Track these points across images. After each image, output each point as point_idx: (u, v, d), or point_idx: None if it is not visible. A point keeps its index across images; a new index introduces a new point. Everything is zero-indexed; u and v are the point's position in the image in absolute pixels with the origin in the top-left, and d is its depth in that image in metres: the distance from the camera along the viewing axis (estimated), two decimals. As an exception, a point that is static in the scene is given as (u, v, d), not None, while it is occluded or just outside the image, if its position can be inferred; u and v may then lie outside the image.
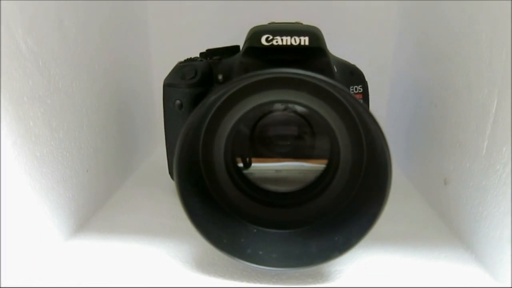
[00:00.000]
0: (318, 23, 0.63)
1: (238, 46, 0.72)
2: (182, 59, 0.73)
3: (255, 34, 0.59)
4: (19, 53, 0.51)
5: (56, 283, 0.52)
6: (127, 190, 0.80)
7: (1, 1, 0.48)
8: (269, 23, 0.65)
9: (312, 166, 0.63)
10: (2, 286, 0.45)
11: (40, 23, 0.55)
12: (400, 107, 0.90)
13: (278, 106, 0.63)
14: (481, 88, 0.57)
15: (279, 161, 0.65)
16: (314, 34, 0.58)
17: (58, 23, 0.59)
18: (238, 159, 0.61)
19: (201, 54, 0.74)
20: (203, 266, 0.55)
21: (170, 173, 0.74)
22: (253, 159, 0.64)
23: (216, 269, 0.54)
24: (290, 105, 0.61)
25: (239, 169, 0.60)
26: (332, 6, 0.93)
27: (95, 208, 0.70)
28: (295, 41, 0.57)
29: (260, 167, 0.64)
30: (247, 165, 0.63)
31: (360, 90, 0.67)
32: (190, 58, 0.73)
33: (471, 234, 0.59)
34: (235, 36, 0.72)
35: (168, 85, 0.69)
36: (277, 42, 0.57)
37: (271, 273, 0.53)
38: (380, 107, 0.89)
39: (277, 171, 0.64)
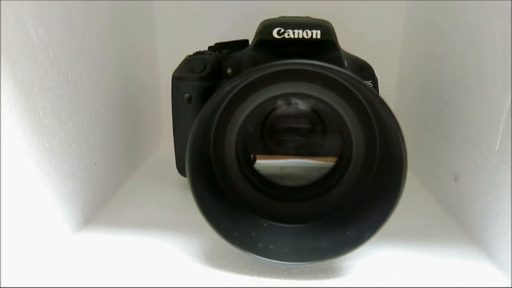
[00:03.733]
0: (326, 18, 0.63)
1: (247, 40, 0.71)
2: (191, 53, 0.73)
3: (266, 27, 0.58)
4: (30, 43, 0.51)
5: (64, 276, 0.51)
6: (135, 183, 0.79)
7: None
8: (279, 17, 0.64)
9: (320, 164, 0.62)
10: (2, 286, 0.45)
11: (50, 13, 0.54)
12: (409, 103, 0.90)
13: (288, 100, 0.62)
14: (495, 84, 0.56)
15: (287, 158, 0.65)
16: (326, 28, 0.57)
17: (67, 14, 0.59)
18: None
19: (209, 47, 0.74)
20: (213, 260, 0.55)
21: (178, 167, 0.73)
22: (258, 155, 0.63)
23: (226, 263, 0.54)
24: (294, 100, 0.61)
25: (250, 163, 0.60)
26: (341, 1, 0.93)
27: (102, 201, 0.70)
28: (307, 34, 0.57)
29: (266, 163, 0.63)
30: (252, 161, 0.62)
31: (370, 85, 0.67)
32: (199, 51, 0.72)
33: (482, 231, 0.58)
34: (243, 30, 0.71)
35: (177, 78, 0.68)
36: (288, 35, 0.57)
37: (282, 268, 0.53)
38: (388, 103, 0.88)
39: (282, 167, 0.63)
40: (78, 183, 0.61)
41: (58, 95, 0.56)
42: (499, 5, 0.56)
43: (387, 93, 0.74)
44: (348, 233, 0.50)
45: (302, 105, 0.60)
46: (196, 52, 0.72)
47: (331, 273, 0.52)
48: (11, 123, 0.47)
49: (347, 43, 0.67)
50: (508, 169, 0.53)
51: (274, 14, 0.66)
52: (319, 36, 0.57)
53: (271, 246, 0.51)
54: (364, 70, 0.66)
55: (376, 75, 0.68)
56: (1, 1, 0.45)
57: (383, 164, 0.51)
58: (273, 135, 0.63)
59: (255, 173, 0.59)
